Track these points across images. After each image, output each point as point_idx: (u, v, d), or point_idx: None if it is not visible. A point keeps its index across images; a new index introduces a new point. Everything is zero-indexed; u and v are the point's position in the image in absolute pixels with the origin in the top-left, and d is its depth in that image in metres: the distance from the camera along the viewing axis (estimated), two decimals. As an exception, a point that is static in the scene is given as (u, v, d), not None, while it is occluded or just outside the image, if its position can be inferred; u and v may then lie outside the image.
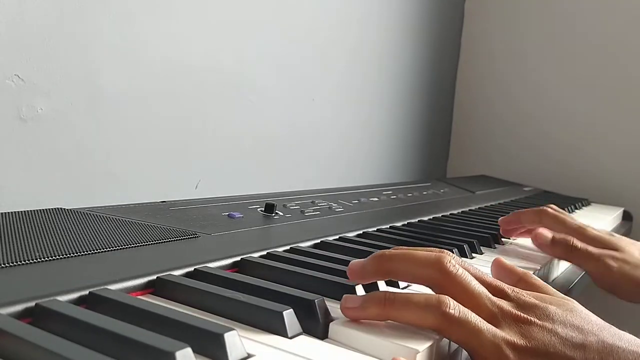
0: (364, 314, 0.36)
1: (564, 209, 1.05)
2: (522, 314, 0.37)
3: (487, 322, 0.36)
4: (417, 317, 0.35)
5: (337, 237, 0.58)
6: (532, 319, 0.37)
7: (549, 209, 0.70)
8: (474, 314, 0.36)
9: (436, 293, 0.37)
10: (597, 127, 1.48)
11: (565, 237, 0.64)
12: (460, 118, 1.68)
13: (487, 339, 0.35)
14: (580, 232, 0.66)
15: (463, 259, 0.45)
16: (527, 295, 0.39)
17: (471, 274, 0.39)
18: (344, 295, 0.37)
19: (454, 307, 0.35)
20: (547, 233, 0.66)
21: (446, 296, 0.36)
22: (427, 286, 0.40)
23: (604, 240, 0.66)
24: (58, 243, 0.43)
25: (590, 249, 0.63)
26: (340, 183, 1.08)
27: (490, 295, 0.38)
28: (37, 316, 0.31)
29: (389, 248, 0.54)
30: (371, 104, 1.32)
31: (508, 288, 0.40)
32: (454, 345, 0.37)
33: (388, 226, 0.68)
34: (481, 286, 0.38)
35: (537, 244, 0.66)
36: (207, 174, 0.87)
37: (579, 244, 0.63)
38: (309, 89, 1.09)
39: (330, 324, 0.35)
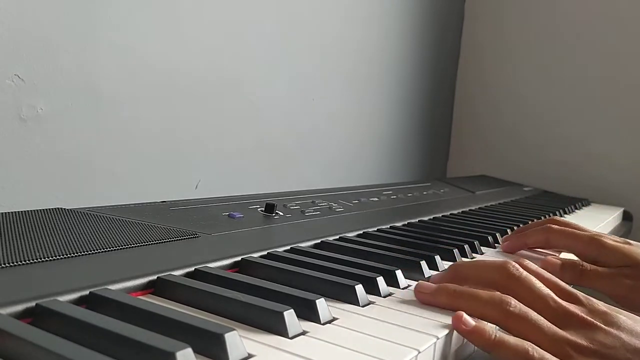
0: (434, 301, 0.41)
1: (564, 209, 1.06)
2: (588, 318, 0.39)
3: (551, 322, 0.38)
4: (480, 310, 0.39)
5: (337, 237, 0.58)
6: (599, 324, 0.38)
7: (554, 226, 0.63)
8: (535, 313, 0.38)
9: None
10: (597, 127, 1.48)
11: (573, 262, 0.59)
12: (460, 118, 1.68)
13: (547, 336, 0.37)
14: (595, 244, 0.59)
15: (530, 264, 0.45)
16: (599, 303, 0.41)
17: (543, 278, 0.42)
18: (419, 281, 0.43)
19: (515, 305, 0.39)
20: (556, 260, 0.59)
21: (509, 296, 0.39)
22: (495, 289, 0.42)
23: (622, 251, 0.59)
24: (58, 243, 0.43)
25: (601, 270, 0.57)
26: (340, 183, 1.08)
27: (556, 298, 0.40)
28: (37, 316, 0.31)
29: (389, 248, 0.55)
30: (371, 104, 1.32)
31: (581, 295, 0.42)
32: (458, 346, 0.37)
33: (388, 226, 0.68)
34: (547, 289, 0.41)
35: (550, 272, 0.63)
36: (207, 174, 0.87)
37: (588, 267, 0.57)
38: (308, 89, 1.09)
39: (331, 324, 0.35)
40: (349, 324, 0.36)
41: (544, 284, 0.42)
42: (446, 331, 0.36)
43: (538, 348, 0.37)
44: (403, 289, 0.45)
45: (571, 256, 0.62)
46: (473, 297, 0.40)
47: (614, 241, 0.59)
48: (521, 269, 0.42)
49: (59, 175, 0.68)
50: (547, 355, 0.36)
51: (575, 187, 1.46)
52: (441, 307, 0.41)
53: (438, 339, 0.35)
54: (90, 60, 0.69)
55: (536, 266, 0.45)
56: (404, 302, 0.42)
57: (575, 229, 0.63)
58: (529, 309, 0.39)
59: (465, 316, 0.38)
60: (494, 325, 0.39)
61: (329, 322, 0.36)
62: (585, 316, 0.39)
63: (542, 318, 0.38)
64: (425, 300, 0.42)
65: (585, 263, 0.58)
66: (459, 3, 1.65)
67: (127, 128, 0.75)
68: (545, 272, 0.44)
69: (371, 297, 0.41)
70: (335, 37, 1.15)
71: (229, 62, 0.90)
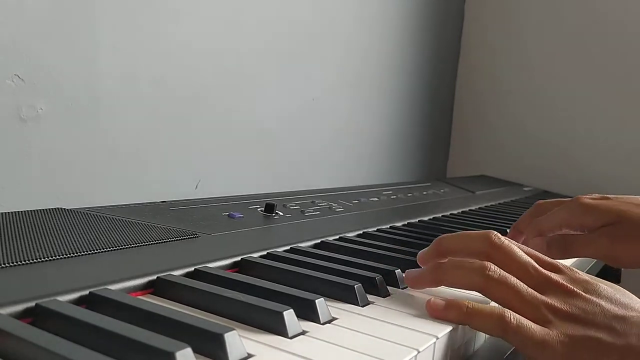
0: (420, 282, 0.43)
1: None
2: (569, 285, 0.39)
3: (531, 288, 0.39)
4: (462, 279, 0.41)
5: (337, 237, 0.58)
6: (579, 291, 0.39)
7: (540, 204, 0.62)
8: (514, 278, 0.39)
9: None
10: (597, 127, 1.48)
11: (554, 236, 0.59)
12: (460, 118, 1.68)
13: (525, 300, 0.38)
14: (578, 205, 0.58)
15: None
16: (581, 273, 0.41)
17: (526, 249, 0.43)
18: (407, 270, 0.45)
19: (494, 270, 0.39)
20: (539, 240, 0.60)
21: (489, 262, 0.40)
22: (479, 259, 0.42)
23: (600, 208, 0.58)
24: (58, 243, 0.43)
25: (581, 238, 0.58)
26: (340, 183, 1.08)
27: (536, 266, 0.41)
28: (37, 316, 0.31)
29: (389, 248, 0.55)
30: (371, 104, 1.32)
31: (563, 265, 0.42)
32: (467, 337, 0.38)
33: (388, 226, 0.68)
34: (527, 257, 0.42)
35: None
36: (207, 174, 0.87)
37: (569, 237, 0.58)
38: (309, 89, 1.09)
39: (331, 324, 0.35)
40: (349, 324, 0.36)
41: (526, 254, 0.43)
42: (446, 331, 0.36)
43: (514, 313, 0.37)
44: (403, 289, 0.45)
45: None
46: (454, 267, 0.42)
47: (592, 199, 0.59)
48: (503, 238, 0.43)
49: (59, 175, 0.68)
50: (524, 320, 0.37)
51: (575, 187, 1.46)
52: (428, 285, 0.43)
53: (438, 339, 0.35)
54: (90, 60, 0.69)
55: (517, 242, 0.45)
56: (404, 302, 0.42)
57: (560, 202, 0.61)
58: (509, 275, 0.40)
59: (433, 299, 0.39)
60: (464, 300, 0.39)
61: (329, 322, 0.36)
62: (565, 283, 0.40)
63: (522, 283, 0.39)
64: (412, 284, 0.44)
65: (566, 235, 0.59)
66: (459, 3, 1.65)
67: (127, 128, 0.75)
68: (526, 247, 0.44)
69: (371, 297, 0.41)
70: (335, 36, 1.15)
71: (229, 62, 0.90)
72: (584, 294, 0.39)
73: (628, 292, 0.41)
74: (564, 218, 0.59)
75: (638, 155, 1.43)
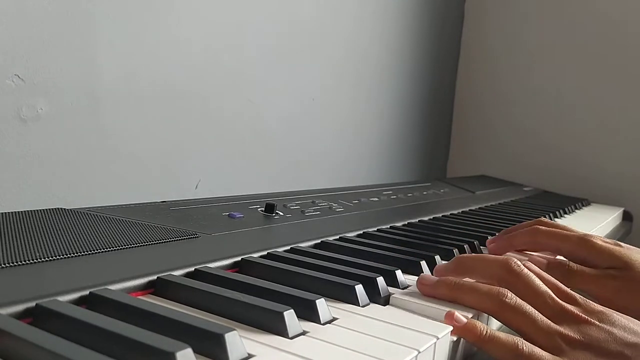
0: (434, 293, 0.43)
1: (564, 209, 1.06)
2: (583, 315, 0.40)
3: (546, 317, 0.40)
4: (478, 302, 0.41)
5: (337, 237, 0.58)
6: (593, 320, 0.40)
7: (541, 227, 0.61)
8: (530, 306, 0.40)
9: None
10: (597, 127, 1.48)
11: (559, 261, 0.57)
12: (460, 118, 1.68)
13: (540, 328, 0.39)
14: (584, 244, 0.57)
15: (533, 265, 0.46)
16: (596, 305, 0.42)
17: (544, 278, 0.44)
18: (421, 274, 0.45)
19: (511, 298, 0.40)
20: (541, 259, 0.57)
21: (506, 289, 0.41)
22: (497, 284, 0.43)
23: (612, 252, 0.56)
24: (58, 243, 0.43)
25: (587, 271, 0.55)
26: (340, 183, 1.08)
27: (553, 296, 0.42)
28: (37, 316, 0.31)
29: (389, 248, 0.55)
30: (371, 104, 1.32)
31: (579, 297, 0.43)
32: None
33: (388, 226, 0.68)
34: (545, 287, 0.42)
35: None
36: (207, 174, 0.87)
37: (574, 266, 0.55)
38: (309, 89, 1.09)
39: (331, 324, 0.35)
40: (349, 324, 0.36)
41: (543, 282, 0.43)
42: (446, 331, 0.36)
43: (528, 343, 0.38)
44: (403, 289, 0.45)
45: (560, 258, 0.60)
46: (471, 289, 0.42)
47: (604, 242, 0.57)
48: (522, 266, 0.43)
49: (59, 175, 0.68)
50: (537, 349, 0.37)
51: (575, 187, 1.46)
52: (441, 298, 0.42)
53: (438, 339, 0.35)
54: (90, 60, 0.69)
55: (539, 269, 0.46)
56: (404, 302, 0.42)
57: (563, 229, 0.61)
58: (525, 303, 0.40)
59: (457, 314, 0.39)
60: (483, 325, 0.39)
61: (329, 322, 0.36)
62: (580, 313, 0.40)
63: (537, 311, 0.40)
64: (426, 292, 0.43)
65: (571, 263, 0.56)
66: (459, 3, 1.65)
67: (127, 128, 0.75)
68: (547, 274, 0.45)
69: (371, 297, 0.41)
70: (335, 36, 1.15)
71: (229, 62, 0.90)
72: (598, 323, 0.39)
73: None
74: (569, 251, 0.57)
75: (638, 155, 1.43)
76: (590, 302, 0.42)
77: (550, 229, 0.61)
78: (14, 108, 0.63)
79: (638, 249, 0.59)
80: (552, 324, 0.39)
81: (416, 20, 1.44)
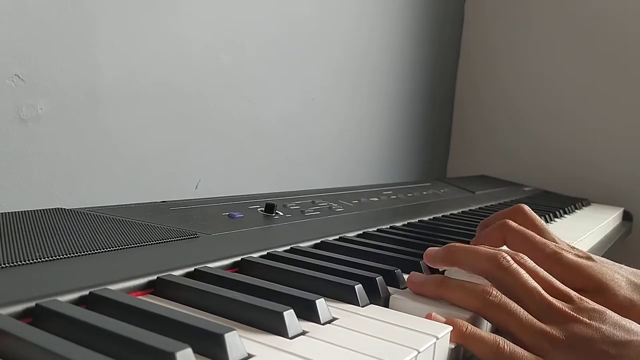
0: (421, 290, 0.43)
1: (564, 209, 1.05)
2: (572, 313, 0.38)
3: (533, 315, 0.38)
4: (463, 299, 0.40)
5: (337, 237, 0.58)
6: (582, 318, 0.38)
7: (511, 223, 0.50)
8: (514, 304, 0.39)
9: (493, 285, 0.41)
10: (597, 127, 1.48)
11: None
12: (460, 118, 1.68)
13: (524, 327, 0.38)
14: (553, 259, 0.47)
15: (528, 260, 0.44)
16: (591, 302, 0.40)
17: (536, 274, 0.42)
18: (412, 272, 0.44)
19: (495, 295, 0.39)
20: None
21: (491, 287, 0.40)
22: (485, 278, 0.43)
23: (583, 270, 0.46)
24: (58, 243, 0.43)
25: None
26: (340, 183, 1.08)
27: (542, 292, 0.40)
28: (37, 316, 0.31)
29: (389, 248, 0.55)
30: (371, 104, 1.32)
31: (574, 294, 0.41)
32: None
33: (388, 226, 0.68)
34: (534, 282, 0.41)
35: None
36: (207, 174, 0.87)
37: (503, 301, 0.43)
38: (309, 89, 1.09)
39: (331, 324, 0.35)
40: (349, 324, 0.36)
41: (535, 279, 0.42)
42: (446, 331, 0.36)
43: (510, 342, 0.37)
44: (403, 289, 0.45)
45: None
46: (457, 287, 0.41)
47: (576, 256, 0.47)
48: (511, 261, 0.42)
49: (59, 175, 0.68)
50: (519, 349, 0.37)
51: (575, 187, 1.46)
52: (427, 296, 0.42)
53: (438, 339, 0.35)
54: (90, 60, 0.69)
55: (533, 263, 0.44)
56: (404, 302, 0.42)
57: (537, 226, 0.52)
58: (510, 300, 0.39)
59: (434, 314, 0.39)
60: (464, 322, 0.39)
61: (329, 322, 0.36)
62: (568, 310, 0.39)
63: (522, 309, 0.39)
64: (414, 289, 0.43)
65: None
66: (459, 3, 1.65)
67: (127, 128, 0.75)
68: (542, 269, 0.43)
69: (371, 298, 0.41)
70: (335, 36, 1.15)
71: (229, 62, 0.90)
72: (587, 320, 0.38)
73: (635, 323, 0.39)
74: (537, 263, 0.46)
75: (638, 155, 1.43)
76: (585, 299, 0.41)
77: (520, 231, 0.50)
78: (14, 108, 0.63)
79: (612, 263, 0.48)
80: (537, 323, 0.38)
81: (416, 20, 1.44)
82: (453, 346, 0.37)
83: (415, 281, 0.44)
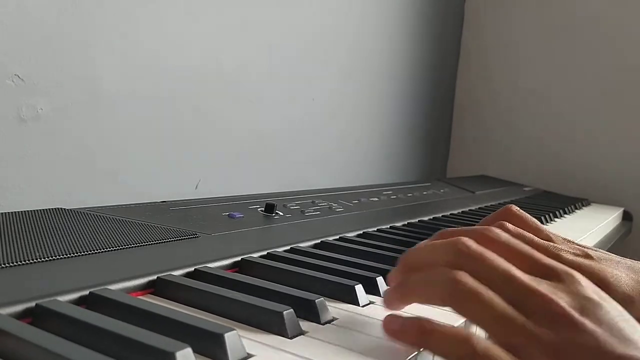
0: (391, 306, 0.36)
1: (563, 209, 1.05)
2: (559, 302, 0.30)
3: (512, 304, 0.30)
4: (429, 295, 0.34)
5: (337, 237, 0.58)
6: (572, 313, 0.29)
7: (509, 226, 0.41)
8: (489, 292, 0.31)
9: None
10: (597, 127, 1.48)
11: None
12: (460, 118, 1.68)
13: (500, 320, 0.30)
14: (552, 255, 0.39)
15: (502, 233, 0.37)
16: (586, 286, 0.32)
17: (512, 250, 0.35)
18: (389, 276, 0.38)
19: (465, 282, 0.31)
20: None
21: (460, 272, 0.32)
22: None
23: (581, 270, 0.37)
24: (58, 243, 0.43)
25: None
26: (340, 183, 1.08)
27: (517, 274, 0.32)
28: (37, 316, 0.31)
29: (389, 248, 0.55)
30: (371, 104, 1.32)
31: (565, 270, 0.33)
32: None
33: (388, 226, 0.68)
34: (505, 263, 0.32)
35: None
36: (207, 174, 0.87)
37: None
38: (308, 89, 1.09)
39: (331, 324, 0.35)
40: (349, 324, 0.36)
41: (511, 256, 0.34)
42: (446, 331, 0.36)
43: (483, 339, 0.29)
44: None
45: None
46: (419, 282, 0.34)
47: (575, 255, 0.40)
48: (471, 243, 0.34)
49: (59, 175, 0.68)
50: (494, 348, 0.28)
51: (575, 187, 1.46)
52: (397, 306, 0.37)
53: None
54: (90, 60, 0.69)
55: (507, 236, 0.36)
56: (404, 302, 0.42)
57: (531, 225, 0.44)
58: (482, 288, 0.31)
59: (389, 317, 0.33)
60: (427, 319, 0.32)
61: (329, 322, 0.36)
62: (553, 298, 0.30)
63: (498, 299, 0.30)
64: (386, 306, 0.37)
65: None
66: (459, 4, 1.65)
67: (127, 128, 0.75)
68: (519, 242, 0.36)
69: (371, 297, 0.41)
70: (335, 36, 1.15)
71: (229, 61, 0.90)
72: (578, 316, 0.29)
73: (636, 326, 0.30)
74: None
75: (638, 155, 1.43)
76: (579, 281, 0.32)
77: (502, 234, 0.41)
78: (14, 108, 0.63)
79: (610, 257, 0.42)
80: (516, 315, 0.30)
81: (416, 21, 1.44)
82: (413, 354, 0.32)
83: (384, 298, 0.37)
